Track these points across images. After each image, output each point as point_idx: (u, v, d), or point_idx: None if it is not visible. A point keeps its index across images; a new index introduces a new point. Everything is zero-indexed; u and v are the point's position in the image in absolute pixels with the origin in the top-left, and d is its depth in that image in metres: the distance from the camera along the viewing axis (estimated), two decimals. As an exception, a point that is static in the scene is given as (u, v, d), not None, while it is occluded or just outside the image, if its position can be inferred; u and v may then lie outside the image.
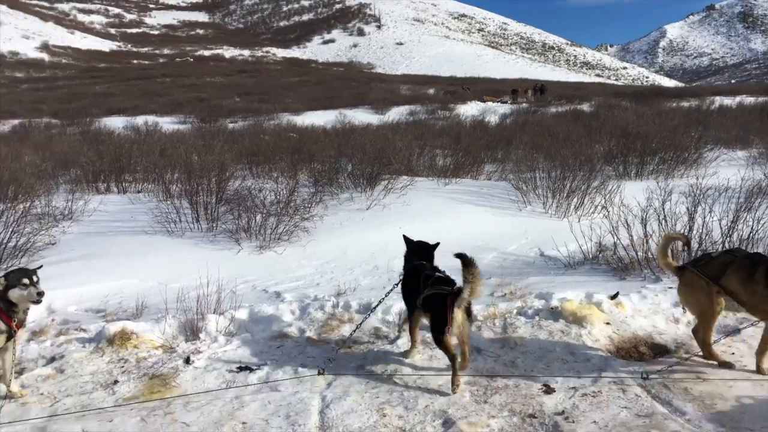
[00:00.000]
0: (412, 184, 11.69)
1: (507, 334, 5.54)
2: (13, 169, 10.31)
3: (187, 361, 5.23)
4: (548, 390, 4.56)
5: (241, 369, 5.08)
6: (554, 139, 15.56)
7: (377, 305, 5.74)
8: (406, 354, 5.24)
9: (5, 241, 7.96)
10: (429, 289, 4.81)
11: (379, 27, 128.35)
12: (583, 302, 5.98)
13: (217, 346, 5.57)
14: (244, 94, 47.97)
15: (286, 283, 7.44)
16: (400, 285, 5.37)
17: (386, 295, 5.59)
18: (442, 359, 5.11)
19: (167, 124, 30.74)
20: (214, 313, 6.01)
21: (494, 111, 34.14)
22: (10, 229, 8.08)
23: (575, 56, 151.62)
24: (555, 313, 5.86)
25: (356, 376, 4.87)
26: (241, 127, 27.71)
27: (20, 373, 5.01)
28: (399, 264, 7.74)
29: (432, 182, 12.77)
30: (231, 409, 4.40)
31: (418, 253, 5.39)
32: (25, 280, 4.43)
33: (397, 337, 5.59)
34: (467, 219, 9.80)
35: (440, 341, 4.67)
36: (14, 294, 4.41)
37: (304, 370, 4.98)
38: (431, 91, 49.87)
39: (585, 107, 33.02)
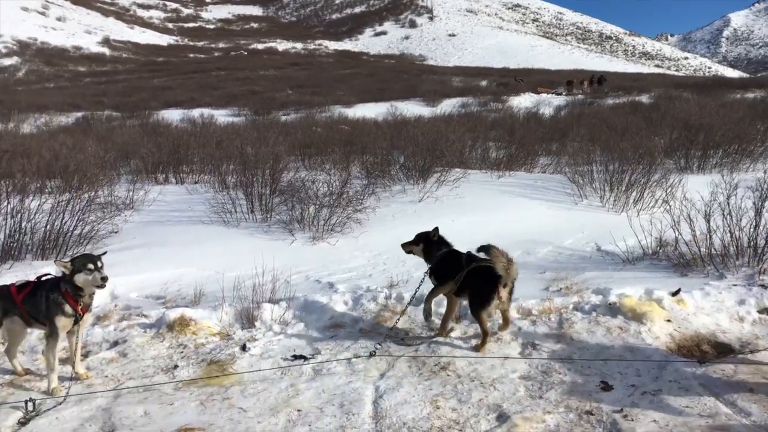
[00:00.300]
0: (465, 176, 11.60)
1: (563, 330, 5.44)
2: (78, 159, 10.69)
3: (244, 348, 5.33)
4: (606, 387, 4.46)
5: (295, 357, 5.15)
6: (612, 132, 15.17)
7: (414, 294, 5.83)
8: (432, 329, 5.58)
9: (71, 228, 8.29)
10: (475, 263, 5.24)
11: (431, 18, 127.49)
12: (642, 298, 5.82)
13: (272, 334, 5.66)
14: (297, 87, 48.55)
15: (338, 274, 7.50)
16: (428, 273, 5.69)
17: (421, 284, 5.77)
18: (496, 352, 5.08)
19: (222, 116, 31.39)
20: (269, 302, 6.11)
21: (548, 103, 33.55)
22: (76, 218, 8.40)
23: (633, 46, 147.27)
24: (613, 309, 5.72)
25: (409, 368, 4.87)
26: (293, 120, 28.04)
27: (86, 355, 5.21)
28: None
29: (485, 175, 12.64)
30: (286, 397, 4.47)
31: (442, 243, 5.76)
32: (90, 266, 4.55)
33: (451, 330, 5.56)
34: (521, 212, 9.67)
35: (478, 315, 5.17)
36: (80, 278, 4.54)
37: (357, 360, 5.02)
38: (483, 82, 49.37)
39: (644, 99, 32.11)
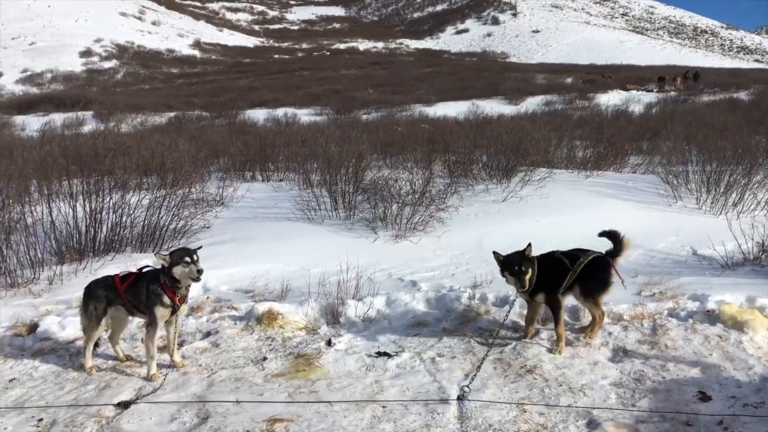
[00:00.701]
0: (551, 176, 11.32)
1: (656, 336, 5.21)
2: (173, 158, 11.19)
3: (329, 343, 5.42)
4: (704, 397, 4.24)
5: (379, 354, 5.18)
6: (709, 130, 14.41)
7: (514, 301, 5.63)
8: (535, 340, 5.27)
9: (167, 223, 8.69)
10: (584, 257, 5.19)
11: (514, 15, 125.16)
12: (743, 306, 5.50)
13: (356, 330, 5.73)
14: (378, 86, 48.79)
15: (421, 272, 7.50)
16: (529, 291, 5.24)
17: (517, 296, 5.46)
18: (585, 357, 4.93)
19: (305, 115, 32.04)
20: (353, 298, 6.20)
21: (638, 100, 32.27)
22: (171, 213, 8.80)
23: (731, 40, 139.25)
24: (711, 317, 5.44)
25: (494, 369, 4.81)
26: (374, 119, 28.26)
27: (181, 345, 5.45)
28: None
29: (571, 175, 12.31)
30: (371, 392, 4.51)
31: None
32: (187, 258, 4.76)
33: (537, 332, 5.45)
34: (610, 213, 9.33)
35: (597, 299, 5.19)
36: (177, 271, 4.75)
37: (441, 360, 5.00)
38: (569, 80, 47.95)
39: (743, 95, 30.34)
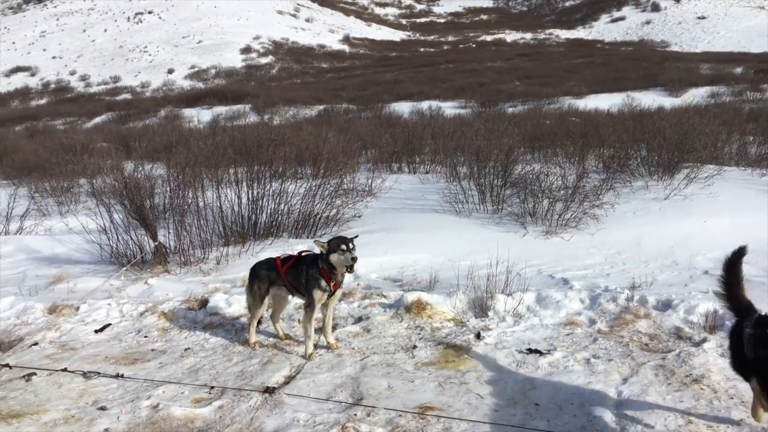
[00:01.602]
0: (719, 173, 10.43)
1: None
2: (327, 149, 11.67)
3: (478, 336, 5.40)
4: None
5: (530, 351, 5.07)
6: None
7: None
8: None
9: (321, 211, 9.10)
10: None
11: (677, 0, 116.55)
12: None
13: (506, 325, 5.65)
14: (524, 78, 47.73)
15: (573, 270, 7.25)
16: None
17: None
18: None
19: (449, 108, 32.07)
20: (502, 293, 6.11)
21: (823, 91, 28.85)
22: (325, 202, 9.19)
23: None
24: None
25: (656, 376, 4.54)
26: (520, 112, 27.65)
27: (335, 328, 5.68)
28: (702, 261, 7.05)
29: (744, 173, 11.29)
30: (522, 389, 4.43)
31: None
32: (344, 246, 4.95)
33: (703, 340, 5.06)
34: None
35: None
36: (334, 258, 4.96)
37: (597, 362, 4.80)
38: (738, 69, 43.91)
39: None
